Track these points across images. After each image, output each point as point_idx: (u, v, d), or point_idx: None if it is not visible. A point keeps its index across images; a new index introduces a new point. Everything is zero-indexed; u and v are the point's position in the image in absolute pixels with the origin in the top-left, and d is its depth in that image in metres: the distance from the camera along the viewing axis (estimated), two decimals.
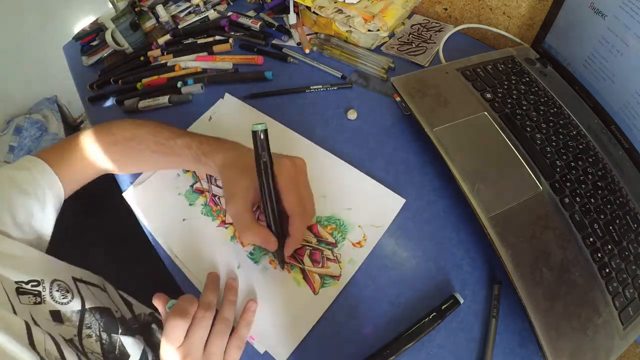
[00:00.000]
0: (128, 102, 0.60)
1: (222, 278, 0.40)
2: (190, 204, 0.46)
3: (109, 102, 0.63)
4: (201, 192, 0.47)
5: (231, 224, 0.44)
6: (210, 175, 0.47)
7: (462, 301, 0.36)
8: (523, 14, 0.57)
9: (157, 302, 0.36)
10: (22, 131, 1.37)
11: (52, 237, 0.41)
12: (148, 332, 0.45)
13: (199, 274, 0.41)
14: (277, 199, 0.35)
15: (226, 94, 0.56)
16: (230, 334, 0.35)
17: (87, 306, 0.38)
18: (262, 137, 0.33)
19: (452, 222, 0.42)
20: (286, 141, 0.49)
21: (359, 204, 0.43)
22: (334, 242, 0.41)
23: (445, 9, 0.66)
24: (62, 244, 0.43)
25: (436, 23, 0.65)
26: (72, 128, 1.52)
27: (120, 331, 0.39)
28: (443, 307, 0.36)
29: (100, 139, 0.42)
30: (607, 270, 0.36)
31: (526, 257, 0.35)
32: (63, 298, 0.36)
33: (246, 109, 0.54)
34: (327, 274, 0.39)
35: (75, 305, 0.37)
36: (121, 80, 0.64)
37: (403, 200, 0.43)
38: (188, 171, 0.48)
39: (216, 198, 0.46)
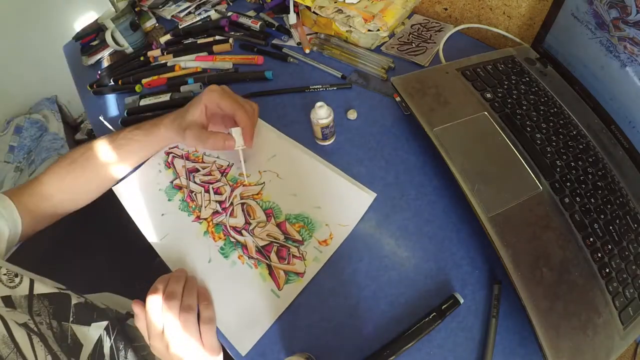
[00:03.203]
0: (129, 99, 0.60)
1: (195, 271, 0.42)
2: (169, 200, 0.48)
3: (109, 102, 0.63)
4: (180, 188, 0.48)
5: (205, 219, 0.45)
6: (189, 172, 0.49)
7: (462, 301, 0.36)
8: (523, 14, 0.57)
9: (135, 306, 0.37)
10: (22, 131, 1.37)
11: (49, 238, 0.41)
12: (120, 325, 0.44)
13: (175, 267, 0.43)
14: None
15: None
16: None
17: (35, 292, 0.37)
18: None
19: (452, 222, 0.42)
20: (264, 139, 0.50)
21: (328, 203, 0.44)
22: (301, 239, 0.42)
23: (445, 9, 0.66)
24: (60, 245, 0.43)
25: (436, 23, 0.65)
26: (72, 128, 1.52)
27: (71, 320, 0.39)
28: (443, 307, 0.36)
29: (59, 164, 0.46)
30: (607, 270, 0.35)
31: (526, 257, 0.35)
32: (10, 282, 0.36)
33: None
34: (292, 270, 0.40)
35: (23, 289, 0.37)
36: (121, 80, 0.64)
37: (373, 195, 0.44)
38: (169, 167, 0.50)
39: (193, 194, 0.47)
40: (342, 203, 0.44)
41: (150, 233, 0.46)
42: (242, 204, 0.46)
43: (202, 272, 0.42)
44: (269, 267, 0.41)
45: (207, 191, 0.47)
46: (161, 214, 0.47)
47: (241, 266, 0.41)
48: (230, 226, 0.44)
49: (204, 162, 0.50)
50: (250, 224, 0.44)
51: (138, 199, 0.48)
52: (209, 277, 0.41)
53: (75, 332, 0.38)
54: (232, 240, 0.43)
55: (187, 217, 0.46)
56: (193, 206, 0.46)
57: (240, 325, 0.38)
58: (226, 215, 0.45)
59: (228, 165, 0.49)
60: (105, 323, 0.41)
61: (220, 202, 0.46)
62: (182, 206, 0.47)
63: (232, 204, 0.46)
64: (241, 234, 0.43)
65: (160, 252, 0.44)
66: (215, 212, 0.45)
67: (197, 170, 0.49)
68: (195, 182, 0.48)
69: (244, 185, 0.47)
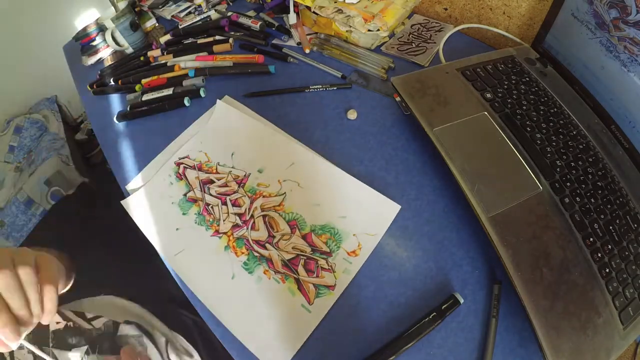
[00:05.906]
0: (130, 96, 0.60)
1: (217, 289, 0.40)
2: (183, 214, 0.45)
3: (109, 102, 0.63)
4: (194, 201, 0.46)
5: (225, 233, 0.43)
6: (203, 184, 0.47)
7: (462, 301, 0.36)
8: (523, 13, 0.57)
9: None
10: (22, 131, 1.37)
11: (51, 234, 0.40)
12: (107, 340, 0.43)
13: (194, 284, 0.41)
14: None
15: (226, 96, 0.56)
16: None
17: None
18: None
19: (452, 222, 0.42)
20: (281, 147, 0.49)
21: (354, 212, 0.43)
22: (329, 251, 0.41)
23: (445, 9, 0.66)
24: (61, 244, 0.43)
25: (436, 23, 0.65)
26: (72, 128, 1.52)
27: (51, 344, 0.37)
28: (443, 307, 0.36)
29: None
30: (607, 270, 0.35)
31: (526, 257, 0.35)
32: None
33: (244, 111, 0.54)
34: (322, 283, 0.39)
35: None
36: (121, 80, 0.64)
37: (398, 207, 0.42)
38: (181, 179, 0.48)
39: (209, 207, 0.45)
40: (368, 212, 0.42)
41: (163, 248, 0.44)
42: (264, 216, 0.44)
43: (226, 289, 0.40)
44: (297, 281, 0.39)
45: (225, 203, 0.45)
46: (175, 228, 0.44)
47: (267, 281, 0.40)
48: (252, 240, 0.42)
49: (219, 173, 0.48)
50: (274, 236, 0.42)
51: (149, 214, 0.46)
52: (233, 295, 0.39)
53: (57, 356, 0.37)
54: (256, 254, 0.41)
55: (205, 231, 0.43)
56: (210, 220, 0.44)
57: (271, 343, 0.36)
58: (247, 229, 0.43)
59: (245, 176, 0.47)
60: (85, 347, 0.39)
61: (239, 215, 0.44)
62: (198, 220, 0.44)
63: (252, 216, 0.44)
64: (265, 248, 0.42)
65: (175, 269, 0.42)
66: (235, 226, 0.43)
67: (212, 182, 0.47)
68: (210, 194, 0.46)
69: (263, 197, 0.45)
